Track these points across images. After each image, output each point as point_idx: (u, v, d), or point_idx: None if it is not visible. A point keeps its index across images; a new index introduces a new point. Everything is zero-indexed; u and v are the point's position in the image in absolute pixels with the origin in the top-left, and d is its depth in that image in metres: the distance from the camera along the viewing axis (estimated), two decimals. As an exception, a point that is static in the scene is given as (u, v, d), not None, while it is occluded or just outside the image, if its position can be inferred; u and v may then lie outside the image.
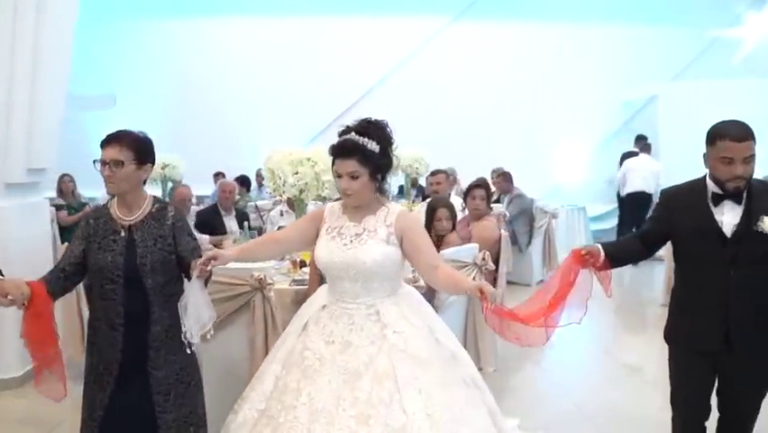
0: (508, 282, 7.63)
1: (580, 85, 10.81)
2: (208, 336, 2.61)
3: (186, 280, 2.68)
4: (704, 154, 2.60)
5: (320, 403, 2.43)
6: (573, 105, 10.83)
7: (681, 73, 11.00)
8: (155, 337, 2.67)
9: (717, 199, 2.59)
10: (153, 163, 2.76)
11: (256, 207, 7.88)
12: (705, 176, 2.64)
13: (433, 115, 10.58)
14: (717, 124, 2.59)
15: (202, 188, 9.35)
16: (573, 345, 5.90)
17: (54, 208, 7.79)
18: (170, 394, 2.71)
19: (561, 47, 10.89)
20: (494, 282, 4.91)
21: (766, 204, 2.53)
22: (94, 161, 2.65)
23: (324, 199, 5.90)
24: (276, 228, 6.22)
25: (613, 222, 11.00)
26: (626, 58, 10.84)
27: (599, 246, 2.78)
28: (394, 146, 2.65)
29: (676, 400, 2.83)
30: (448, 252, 4.15)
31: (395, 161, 2.65)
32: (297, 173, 4.62)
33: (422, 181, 9.17)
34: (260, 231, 5.94)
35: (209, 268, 2.52)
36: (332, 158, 2.60)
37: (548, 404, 4.45)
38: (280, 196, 4.90)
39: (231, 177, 9.71)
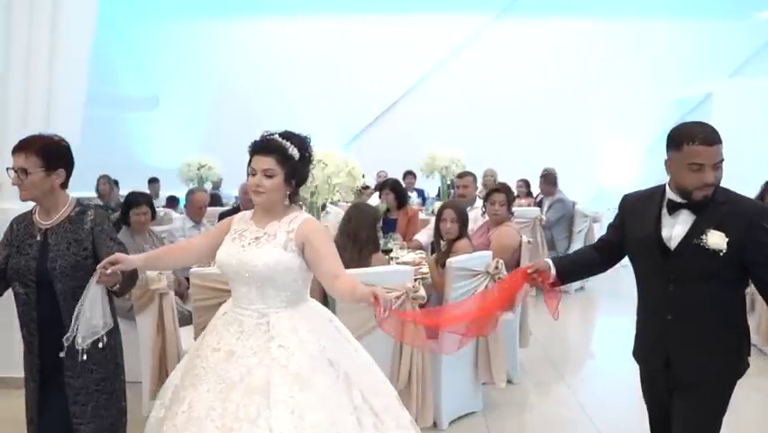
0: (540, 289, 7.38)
1: (628, 83, 10.39)
2: (99, 345, 2.53)
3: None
4: (666, 161, 2.35)
5: (196, 412, 2.38)
6: (621, 105, 10.42)
7: (738, 70, 10.47)
8: (70, 345, 2.56)
9: (673, 209, 2.36)
10: (68, 167, 2.73)
11: (301, 207, 7.82)
12: (666, 182, 2.40)
13: (474, 115, 10.35)
14: (680, 126, 2.36)
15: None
16: (607, 360, 5.60)
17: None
18: (88, 405, 2.66)
19: (608, 43, 10.48)
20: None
21: (717, 218, 2.28)
22: (7, 169, 2.68)
23: (335, 203, 5.81)
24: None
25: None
26: (678, 53, 10.36)
27: (550, 262, 2.62)
28: (312, 165, 2.69)
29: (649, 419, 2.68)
30: (457, 259, 3.95)
31: (312, 178, 2.74)
32: (307, 176, 4.50)
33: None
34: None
35: (109, 272, 2.46)
36: (249, 154, 2.57)
37: (567, 427, 4.18)
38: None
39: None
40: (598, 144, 10.50)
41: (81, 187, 9.13)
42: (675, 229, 2.35)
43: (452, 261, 3.92)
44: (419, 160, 8.88)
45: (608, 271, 2.69)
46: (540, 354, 5.25)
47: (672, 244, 2.35)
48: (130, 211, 4.78)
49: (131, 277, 2.69)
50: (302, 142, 2.59)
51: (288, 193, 2.57)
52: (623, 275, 2.48)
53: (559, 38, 10.57)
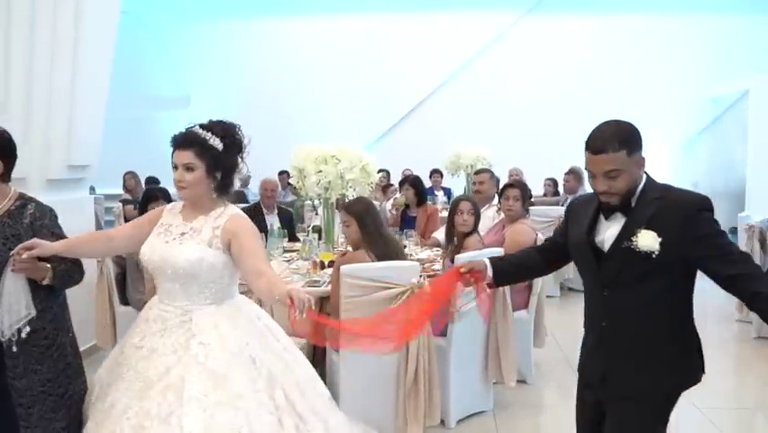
0: (570, 289, 7.26)
1: (661, 80, 10.17)
2: (23, 334, 2.42)
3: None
4: None
5: (116, 410, 2.35)
6: (654, 103, 10.17)
7: (776, 66, 10.07)
8: (11, 345, 2.46)
9: (608, 211, 2.23)
10: (7, 159, 2.65)
11: (313, 206, 7.86)
12: None
13: (501, 113, 10.25)
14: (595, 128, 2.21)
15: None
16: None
17: (120, 204, 8.19)
18: (34, 408, 2.50)
19: (640, 40, 10.25)
20: (529, 289, 4.62)
21: (647, 216, 2.13)
22: None
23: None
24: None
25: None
26: (713, 50, 10.07)
27: (487, 262, 2.48)
28: (245, 152, 2.56)
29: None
30: (466, 255, 3.90)
31: (243, 168, 2.56)
32: (320, 171, 4.51)
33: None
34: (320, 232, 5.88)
35: (24, 257, 2.38)
36: (172, 149, 2.49)
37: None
38: (304, 194, 4.79)
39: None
40: (630, 143, 10.28)
41: (114, 183, 9.35)
42: (609, 232, 2.22)
43: (461, 257, 3.87)
44: (445, 158, 8.86)
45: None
46: (558, 356, 5.16)
47: (606, 247, 2.22)
48: (148, 205, 4.85)
49: (73, 269, 2.60)
50: (226, 131, 2.49)
51: (214, 185, 2.49)
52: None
53: (588, 35, 10.38)
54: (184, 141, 2.45)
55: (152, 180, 9.15)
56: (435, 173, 9.67)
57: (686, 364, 2.24)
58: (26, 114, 4.68)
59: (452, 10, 10.42)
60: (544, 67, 10.48)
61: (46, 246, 2.46)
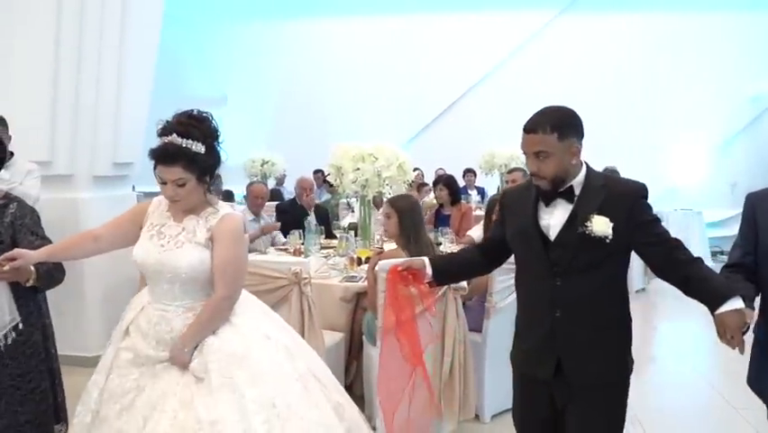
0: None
1: (699, 79, 10.00)
2: (8, 340, 2.45)
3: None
4: None
5: (155, 393, 2.35)
6: (692, 102, 10.04)
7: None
8: None
9: (548, 199, 2.24)
10: None
11: (348, 204, 7.96)
12: None
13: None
14: None
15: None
16: (669, 364, 5.47)
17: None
18: (1, 400, 2.52)
19: (675, 38, 10.10)
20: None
21: (596, 202, 2.17)
22: None
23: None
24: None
25: (736, 228, 10.08)
26: (753, 48, 9.89)
27: (425, 261, 2.51)
28: (220, 138, 2.43)
29: (515, 424, 2.50)
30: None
31: (223, 157, 2.45)
32: (357, 169, 4.59)
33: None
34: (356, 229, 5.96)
35: (6, 268, 2.32)
36: (153, 162, 2.37)
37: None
38: (341, 192, 4.88)
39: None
40: (667, 143, 10.15)
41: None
42: (553, 218, 2.24)
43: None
44: (479, 158, 8.88)
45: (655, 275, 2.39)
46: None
47: (552, 234, 2.23)
48: None
49: (54, 270, 2.59)
50: (206, 131, 2.39)
51: (205, 188, 2.44)
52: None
53: (623, 34, 10.29)
54: (169, 157, 2.32)
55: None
56: (469, 172, 9.69)
57: (629, 347, 2.31)
58: (75, 114, 4.86)
59: (486, 10, 10.43)
60: (577, 67, 10.41)
61: (28, 256, 2.38)
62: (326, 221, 6.24)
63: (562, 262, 2.20)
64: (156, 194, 2.58)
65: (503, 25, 10.51)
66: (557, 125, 2.17)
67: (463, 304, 3.84)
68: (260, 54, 11.15)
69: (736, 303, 2.05)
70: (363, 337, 3.98)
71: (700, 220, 9.16)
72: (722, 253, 9.25)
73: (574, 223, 2.17)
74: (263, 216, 5.68)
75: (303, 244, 4.85)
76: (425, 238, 3.86)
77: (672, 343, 6.20)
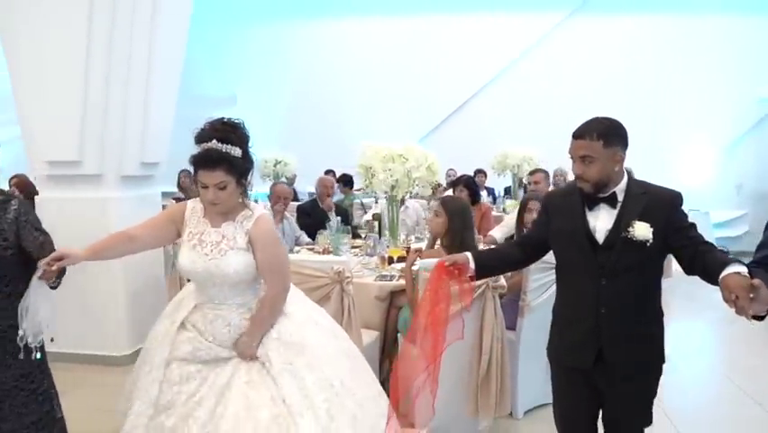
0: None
1: (707, 80, 10.10)
2: (50, 341, 2.46)
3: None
4: None
5: (223, 379, 2.49)
6: (700, 104, 10.14)
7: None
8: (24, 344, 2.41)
9: (592, 203, 2.42)
10: None
11: (361, 204, 8.02)
12: None
13: (545, 114, 10.26)
14: None
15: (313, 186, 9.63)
16: (682, 362, 5.54)
17: (174, 201, 8.40)
18: (5, 402, 2.52)
19: (685, 40, 10.18)
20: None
21: (638, 208, 2.35)
22: None
23: (415, 195, 5.92)
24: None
25: (742, 229, 10.21)
26: (760, 50, 9.99)
27: (469, 256, 2.66)
28: (250, 144, 2.52)
29: (556, 418, 2.70)
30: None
31: (392, 172, 2.65)
32: (388, 169, 4.65)
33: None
34: (354, 228, 6.04)
35: (54, 268, 2.33)
36: (193, 166, 2.47)
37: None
38: (373, 192, 4.94)
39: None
40: (675, 144, 10.25)
41: (164, 182, 9.57)
42: (599, 222, 2.41)
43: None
44: (491, 158, 8.94)
45: (684, 273, 2.44)
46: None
47: (599, 237, 2.39)
48: None
49: (64, 271, 2.57)
50: (240, 136, 2.49)
51: (241, 191, 2.53)
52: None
53: (633, 35, 10.36)
54: (211, 161, 2.42)
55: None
56: (479, 173, 9.74)
57: (662, 342, 2.48)
58: (104, 114, 4.89)
59: (496, 12, 10.49)
60: (587, 67, 10.48)
61: (75, 255, 2.38)
62: (345, 220, 6.29)
63: (608, 263, 2.37)
64: (172, 194, 2.63)
65: (513, 26, 10.57)
66: (603, 133, 2.35)
67: (498, 302, 3.90)
68: (271, 54, 11.18)
69: (738, 267, 2.09)
70: (398, 335, 4.04)
71: (708, 221, 9.26)
72: (728, 253, 9.35)
73: (619, 227, 2.35)
74: (287, 215, 5.71)
75: (329, 243, 4.88)
76: (471, 243, 3.89)
77: (686, 339, 6.29)
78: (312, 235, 5.87)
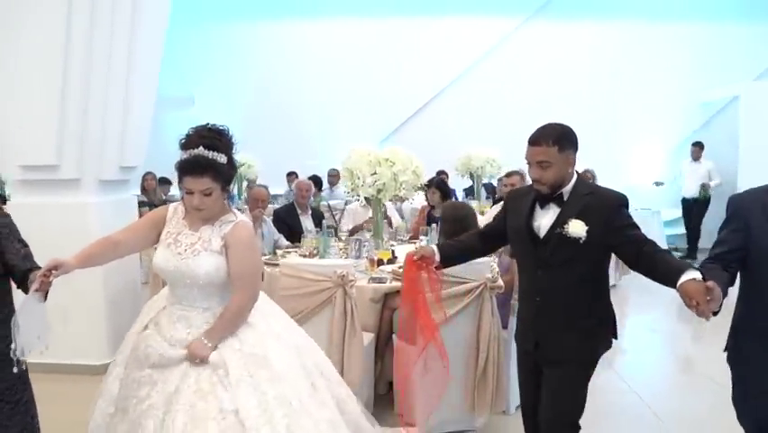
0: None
1: (656, 85, 10.58)
2: (45, 348, 2.38)
3: (15, 288, 2.54)
4: None
5: (171, 387, 2.44)
6: (649, 107, 10.61)
7: (764, 73, 10.55)
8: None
9: (544, 202, 2.63)
10: None
11: (329, 206, 8.06)
12: None
13: (505, 116, 10.50)
14: None
15: (276, 188, 9.57)
16: (649, 353, 5.84)
17: (148, 209, 8.20)
18: None
19: (637, 46, 10.64)
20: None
21: (577, 208, 2.54)
22: None
23: (401, 199, 6.00)
24: (354, 222, 6.36)
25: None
26: (705, 57, 10.51)
27: (434, 247, 2.94)
28: (234, 150, 2.59)
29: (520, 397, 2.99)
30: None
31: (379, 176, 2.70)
32: (374, 173, 4.71)
33: (493, 182, 9.16)
34: (336, 230, 6.08)
35: (51, 279, 2.30)
36: (179, 172, 2.50)
37: (625, 410, 4.42)
38: (357, 195, 4.98)
39: (303, 176, 9.96)
40: (626, 145, 10.68)
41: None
42: (544, 220, 2.63)
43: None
44: (454, 159, 9.10)
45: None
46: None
47: (541, 233, 2.62)
48: None
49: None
50: (226, 143, 2.53)
51: (225, 196, 2.59)
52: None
53: (589, 40, 10.72)
54: (199, 167, 2.44)
55: (165, 181, 9.21)
56: (441, 174, 9.89)
57: (601, 333, 2.69)
58: (83, 117, 4.78)
59: (456, 15, 10.65)
60: (544, 71, 10.77)
61: (68, 264, 2.36)
62: (320, 224, 6.31)
63: (544, 256, 2.61)
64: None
65: (473, 30, 10.75)
66: (557, 139, 2.55)
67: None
68: (230, 54, 11.03)
69: (693, 274, 2.25)
70: (393, 336, 4.11)
71: (659, 219, 9.66)
72: (676, 249, 9.81)
73: (558, 224, 2.57)
74: (266, 218, 5.70)
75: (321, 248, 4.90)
76: None
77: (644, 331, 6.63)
78: (289, 239, 5.89)
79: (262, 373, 2.48)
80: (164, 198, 8.95)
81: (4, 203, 4.93)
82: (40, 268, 2.42)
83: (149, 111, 5.31)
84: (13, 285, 2.64)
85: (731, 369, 2.58)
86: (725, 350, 2.61)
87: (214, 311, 2.57)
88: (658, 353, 6.09)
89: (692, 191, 9.98)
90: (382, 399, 4.27)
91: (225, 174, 2.51)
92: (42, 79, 4.63)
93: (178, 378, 2.45)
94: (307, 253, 4.92)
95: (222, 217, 2.59)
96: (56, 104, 4.65)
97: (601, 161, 9.94)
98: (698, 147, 10.04)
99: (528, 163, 2.61)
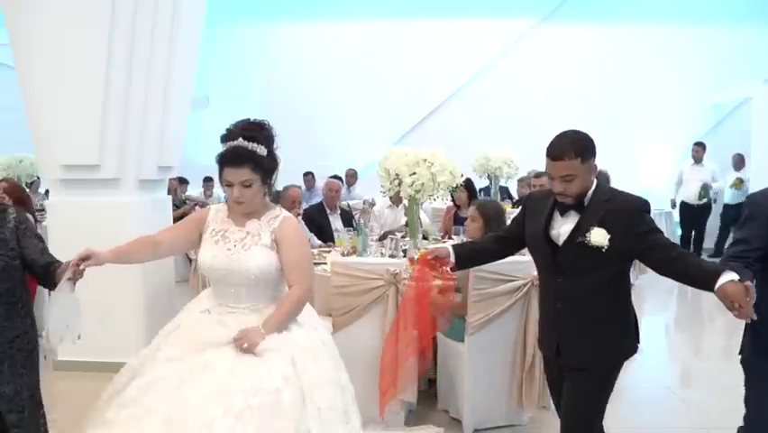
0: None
1: (668, 87, 10.68)
2: (75, 342, 2.35)
3: (39, 285, 2.53)
4: None
5: (196, 363, 2.36)
6: (661, 108, 10.71)
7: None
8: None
9: (563, 209, 2.58)
10: None
11: (348, 206, 8.09)
12: None
13: (518, 117, 10.60)
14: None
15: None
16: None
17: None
18: (24, 412, 2.48)
19: (648, 48, 10.75)
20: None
21: (598, 216, 2.48)
22: None
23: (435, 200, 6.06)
24: (380, 224, 6.42)
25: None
26: (717, 58, 10.62)
27: (449, 248, 2.87)
28: (275, 145, 2.59)
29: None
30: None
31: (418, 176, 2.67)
32: (413, 174, 4.76)
33: (507, 183, 9.20)
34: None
35: (82, 268, 2.30)
36: (219, 165, 2.51)
37: (658, 403, 4.50)
38: (392, 194, 5.02)
39: (319, 177, 10.02)
40: (638, 146, 10.77)
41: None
42: (563, 227, 2.56)
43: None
44: (471, 160, 9.14)
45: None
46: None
47: (560, 241, 2.56)
48: None
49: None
50: (267, 136, 2.54)
51: (266, 191, 2.57)
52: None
53: (601, 43, 10.81)
54: (239, 158, 2.44)
55: (182, 181, 9.26)
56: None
57: (624, 339, 2.64)
58: (124, 117, 4.83)
59: (469, 17, 10.71)
60: (557, 73, 10.86)
61: (100, 255, 2.36)
62: (350, 223, 6.36)
63: (565, 264, 2.56)
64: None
65: (486, 32, 10.83)
66: (579, 150, 2.46)
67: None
68: (245, 56, 11.09)
69: (730, 275, 2.21)
70: (439, 335, 4.16)
71: (671, 219, 9.75)
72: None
73: (578, 232, 2.49)
74: (299, 219, 5.74)
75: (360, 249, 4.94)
76: None
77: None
78: (320, 238, 5.95)
79: (307, 370, 2.44)
80: (183, 197, 9.01)
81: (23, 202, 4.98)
82: (59, 262, 2.45)
83: (185, 111, 5.37)
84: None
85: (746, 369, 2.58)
86: (739, 353, 2.62)
87: (261, 312, 2.52)
88: (678, 350, 6.17)
89: (693, 196, 9.57)
90: (421, 395, 4.30)
91: (265, 166, 2.50)
92: (85, 80, 4.67)
93: (208, 356, 2.36)
94: (346, 252, 4.97)
95: (267, 213, 2.59)
96: (98, 104, 4.70)
97: (613, 162, 9.99)
98: (700, 147, 9.68)
99: (551, 177, 2.53)
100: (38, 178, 9.10)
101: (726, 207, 9.84)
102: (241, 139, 2.45)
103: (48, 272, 2.42)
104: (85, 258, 2.29)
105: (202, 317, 2.57)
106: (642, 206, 2.51)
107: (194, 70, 5.40)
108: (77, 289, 2.35)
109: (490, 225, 3.98)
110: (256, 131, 2.51)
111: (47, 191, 8.96)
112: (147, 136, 4.96)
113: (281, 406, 2.28)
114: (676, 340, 6.63)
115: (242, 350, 2.35)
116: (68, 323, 2.31)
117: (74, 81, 4.66)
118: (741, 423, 2.68)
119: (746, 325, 2.53)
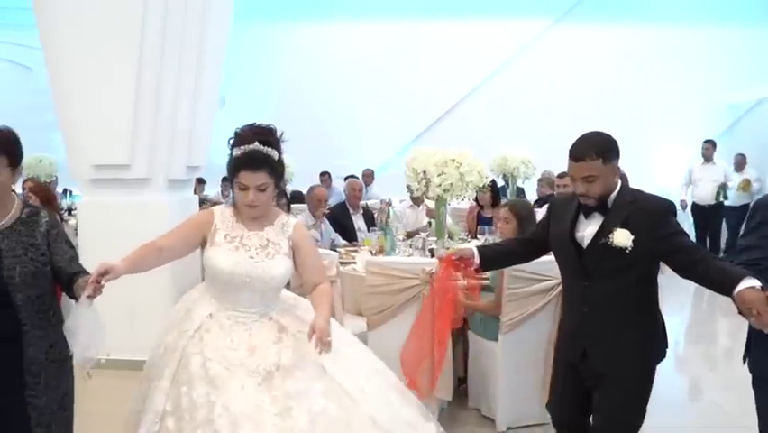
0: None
1: (683, 87, 10.67)
2: (102, 361, 2.24)
3: (64, 294, 2.45)
4: None
5: (237, 408, 2.31)
6: (676, 109, 10.71)
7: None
8: (32, 361, 2.31)
9: (588, 211, 2.57)
10: (19, 164, 2.37)
11: (366, 205, 8.12)
12: None
13: (532, 118, 10.61)
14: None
15: (304, 188, 9.64)
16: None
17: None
18: (51, 427, 2.38)
19: (663, 48, 10.76)
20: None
21: (621, 217, 2.47)
22: None
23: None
24: (403, 224, 6.45)
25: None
26: (732, 59, 10.63)
27: (474, 249, 2.87)
28: (282, 150, 2.60)
29: (550, 405, 2.92)
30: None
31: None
32: (442, 174, 4.79)
33: (524, 184, 9.20)
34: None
35: (102, 283, 2.19)
36: (233, 169, 2.49)
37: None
38: (419, 194, 5.04)
39: (336, 177, 10.06)
40: (653, 146, 10.76)
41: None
42: (588, 229, 2.55)
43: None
44: (490, 161, 9.15)
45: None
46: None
47: (585, 243, 2.55)
48: None
49: None
50: (277, 140, 2.55)
51: (276, 194, 2.60)
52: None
53: (616, 43, 10.83)
54: (255, 162, 2.44)
55: (200, 181, 9.30)
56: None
57: (653, 344, 2.60)
58: (155, 116, 4.87)
59: (484, 18, 10.74)
60: (572, 73, 10.87)
61: (117, 269, 2.26)
62: (372, 222, 6.40)
63: (590, 267, 2.54)
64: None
65: (501, 33, 10.86)
66: (601, 151, 2.47)
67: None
68: (260, 56, 11.11)
69: (751, 282, 2.16)
70: (469, 333, 4.19)
71: (688, 220, 9.74)
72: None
73: (602, 234, 2.48)
74: (324, 219, 5.78)
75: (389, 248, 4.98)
76: None
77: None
78: (343, 238, 5.99)
79: (335, 365, 2.52)
80: (201, 197, 9.04)
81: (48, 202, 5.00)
82: (85, 272, 2.37)
83: (213, 111, 5.41)
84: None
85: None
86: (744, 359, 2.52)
87: (270, 315, 2.57)
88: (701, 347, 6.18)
89: (706, 197, 9.32)
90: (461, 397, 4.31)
91: (278, 170, 2.53)
92: (116, 80, 4.72)
93: (243, 402, 2.33)
94: (374, 252, 5.01)
95: (278, 218, 2.62)
96: (129, 104, 4.75)
97: (628, 162, 9.97)
98: (710, 144, 9.40)
99: (572, 179, 2.54)
100: (56, 177, 9.16)
101: (728, 208, 9.55)
102: (257, 143, 2.46)
103: (71, 282, 2.34)
104: (103, 273, 2.22)
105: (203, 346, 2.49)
106: (667, 207, 2.53)
107: (221, 70, 5.44)
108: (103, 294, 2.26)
109: (524, 226, 3.97)
110: (269, 135, 2.53)
111: (65, 190, 9.11)
112: (177, 136, 5.00)
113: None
114: (696, 338, 6.64)
115: (323, 344, 2.36)
116: (91, 341, 2.23)
117: (105, 81, 4.71)
118: None
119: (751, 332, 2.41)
